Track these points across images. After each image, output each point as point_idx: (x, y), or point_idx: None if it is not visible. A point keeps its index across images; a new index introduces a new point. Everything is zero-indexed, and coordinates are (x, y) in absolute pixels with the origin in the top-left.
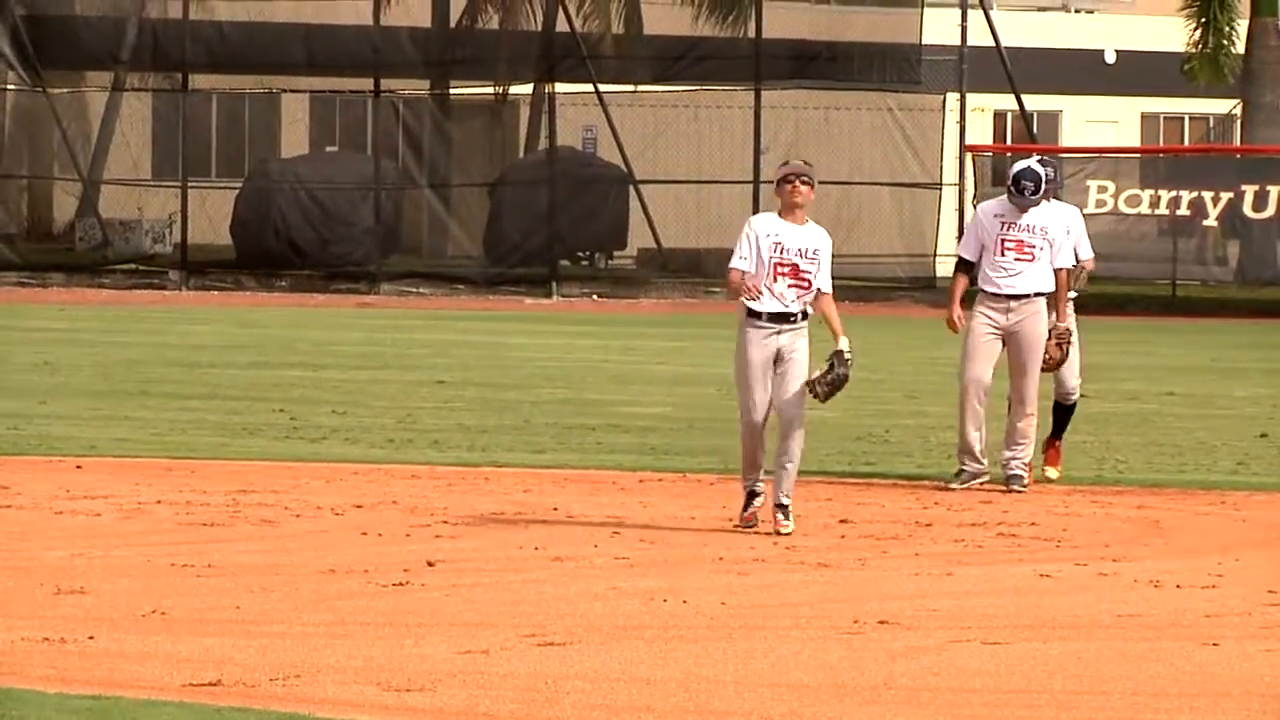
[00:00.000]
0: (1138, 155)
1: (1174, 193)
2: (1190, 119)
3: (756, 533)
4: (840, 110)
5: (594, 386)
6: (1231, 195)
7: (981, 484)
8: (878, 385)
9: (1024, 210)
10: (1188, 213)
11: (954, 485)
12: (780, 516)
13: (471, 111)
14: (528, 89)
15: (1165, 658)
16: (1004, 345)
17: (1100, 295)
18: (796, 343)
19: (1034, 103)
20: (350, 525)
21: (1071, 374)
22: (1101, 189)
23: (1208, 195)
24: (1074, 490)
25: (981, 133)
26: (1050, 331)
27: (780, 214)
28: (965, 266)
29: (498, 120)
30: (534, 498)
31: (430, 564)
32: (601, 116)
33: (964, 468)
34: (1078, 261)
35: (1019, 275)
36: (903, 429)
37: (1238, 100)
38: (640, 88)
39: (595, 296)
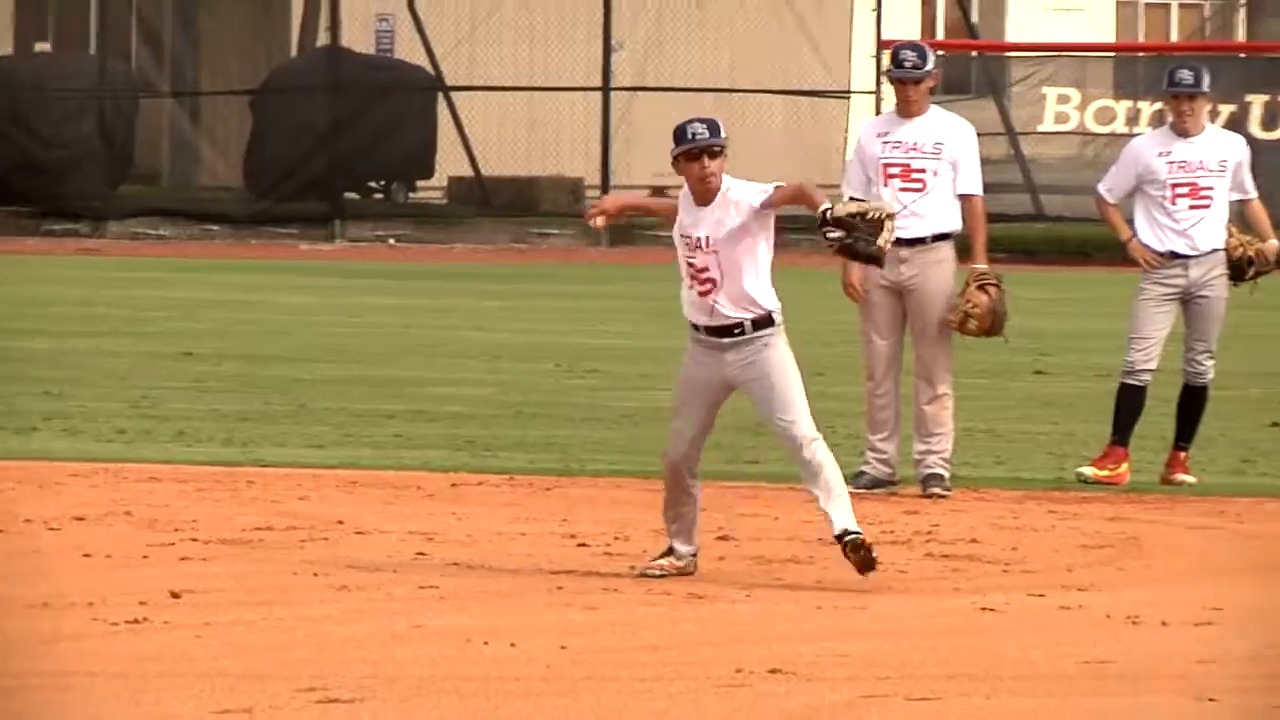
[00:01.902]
0: (1111, 55)
1: (1158, 105)
2: (1180, 6)
3: (609, 554)
4: None
5: (391, 361)
6: (1234, 108)
7: (890, 493)
8: None
9: (907, 116)
10: None
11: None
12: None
13: None
14: None
15: (1147, 716)
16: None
17: (1060, 240)
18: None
19: None
20: (69, 544)
21: (1204, 337)
22: (1062, 99)
23: None
24: (1026, 497)
25: (904, 24)
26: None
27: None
28: None
29: (264, 8)
30: (312, 507)
31: (175, 595)
32: (401, 2)
33: (863, 468)
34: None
35: (907, 212)
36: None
37: None
38: None
39: (393, 240)
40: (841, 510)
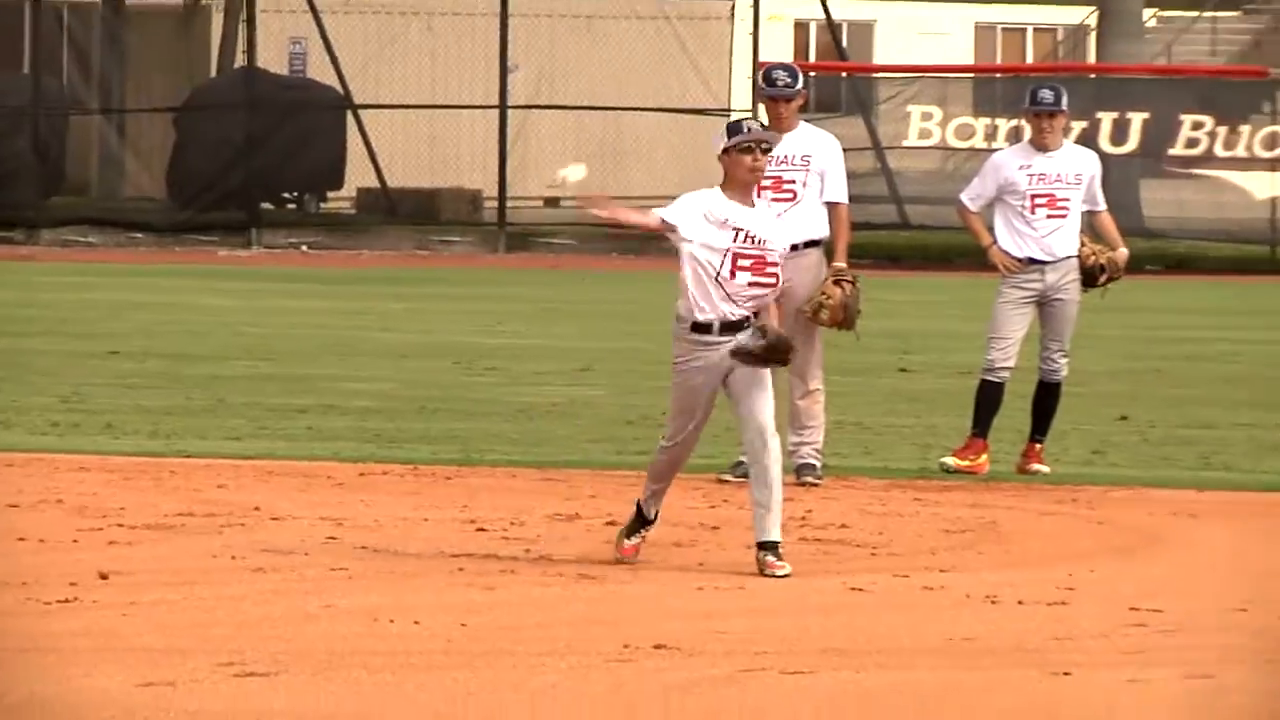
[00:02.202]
0: (970, 75)
1: (1015, 121)
2: (1035, 31)
3: (506, 538)
4: (606, 19)
5: (304, 358)
6: (1085, 125)
7: None
8: (653, 356)
9: (778, 132)
10: None
11: (728, 478)
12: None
13: (153, 20)
14: None
15: (1006, 690)
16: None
17: (923, 247)
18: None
19: (843, 10)
20: (4, 529)
21: (1059, 337)
22: (926, 116)
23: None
24: (892, 485)
25: (780, 48)
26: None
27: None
28: None
29: (186, 31)
30: (230, 495)
31: (103, 576)
32: (313, 26)
33: (741, 459)
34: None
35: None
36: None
37: (1093, 9)
38: None
39: (305, 247)
40: (775, 520)
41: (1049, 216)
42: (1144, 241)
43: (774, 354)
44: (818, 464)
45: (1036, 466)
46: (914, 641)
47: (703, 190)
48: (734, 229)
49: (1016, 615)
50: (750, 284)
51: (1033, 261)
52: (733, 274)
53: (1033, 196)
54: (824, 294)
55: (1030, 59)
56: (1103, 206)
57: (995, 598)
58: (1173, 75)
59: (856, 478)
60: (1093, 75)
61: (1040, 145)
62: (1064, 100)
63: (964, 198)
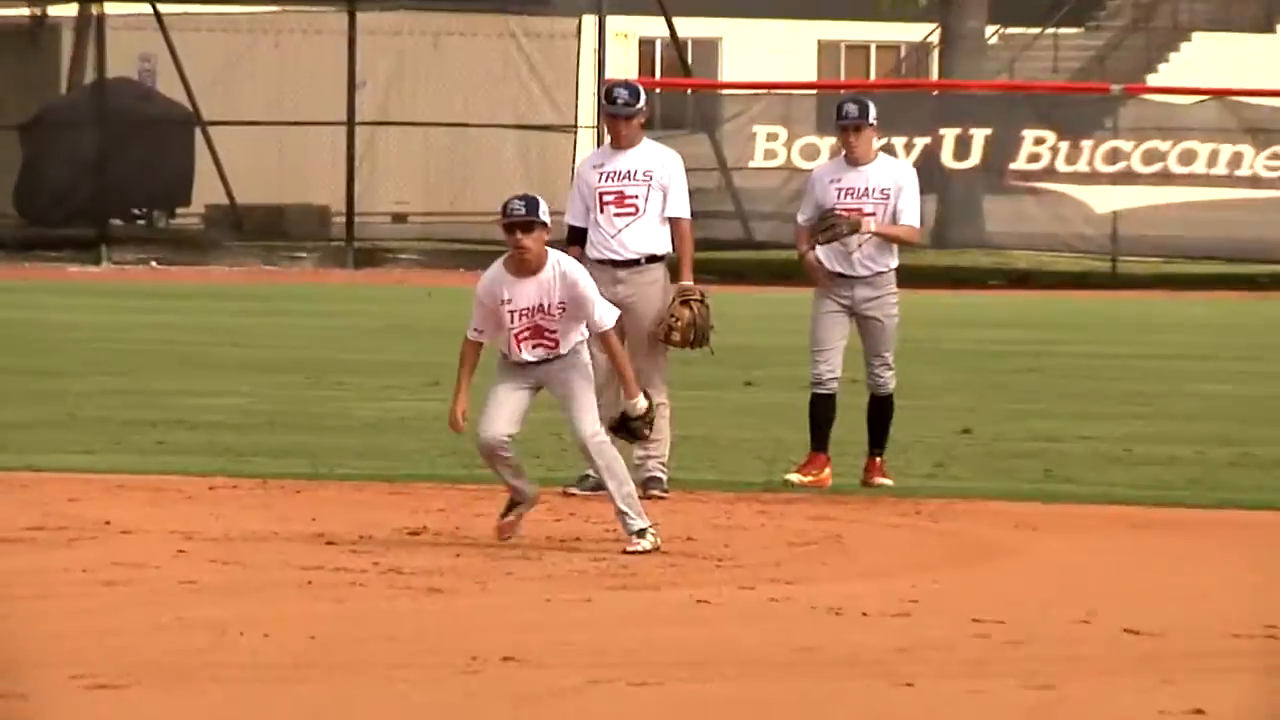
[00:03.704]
0: (814, 92)
1: None
2: (878, 48)
3: (355, 551)
4: (453, 36)
5: (154, 373)
6: (928, 140)
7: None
8: None
9: (620, 149)
10: None
11: (575, 490)
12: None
13: (1, 36)
14: (72, 9)
15: (849, 700)
16: None
17: (768, 264)
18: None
19: (688, 27)
20: None
21: (878, 352)
22: (771, 136)
23: (898, 141)
24: (738, 498)
25: (625, 64)
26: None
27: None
28: (577, 236)
29: (34, 47)
30: (81, 508)
31: None
32: (162, 42)
33: (587, 473)
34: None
35: (622, 235)
36: (530, 424)
37: (935, 25)
38: (208, 7)
39: (154, 263)
40: (632, 504)
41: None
42: (986, 256)
43: (622, 434)
44: (663, 477)
45: (880, 480)
46: (760, 653)
47: (490, 272)
48: (509, 312)
49: (860, 626)
50: (535, 347)
51: (840, 276)
52: (519, 348)
53: (842, 211)
54: (673, 315)
55: (874, 76)
56: (915, 224)
57: (839, 609)
58: (1015, 91)
59: (703, 491)
60: (935, 92)
61: (851, 160)
62: (871, 114)
63: (799, 218)
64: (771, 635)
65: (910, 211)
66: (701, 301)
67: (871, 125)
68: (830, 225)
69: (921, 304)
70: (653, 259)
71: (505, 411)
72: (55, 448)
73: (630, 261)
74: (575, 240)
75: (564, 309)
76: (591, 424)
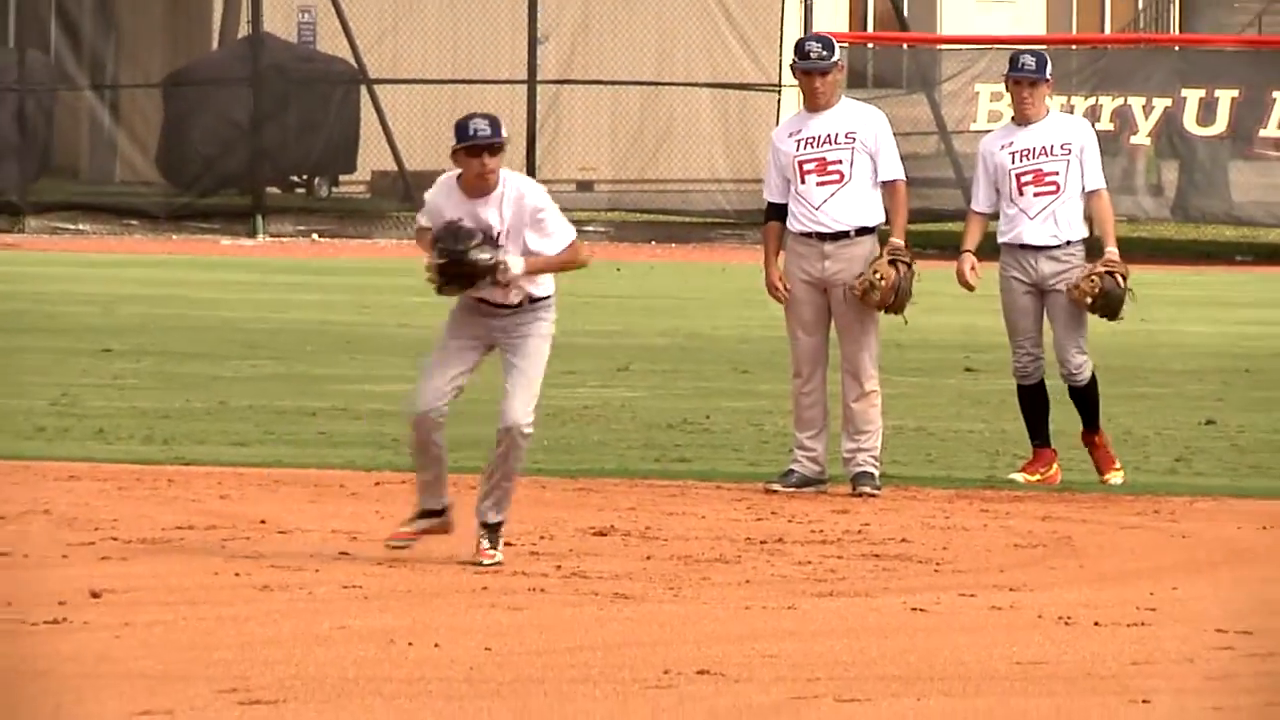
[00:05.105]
0: (1043, 48)
1: (1092, 99)
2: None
3: (534, 553)
4: None
5: (314, 357)
6: (1169, 103)
7: (819, 491)
8: (696, 355)
9: (816, 110)
10: (1110, 126)
11: (776, 486)
12: (486, 544)
13: None
14: None
15: (1080, 718)
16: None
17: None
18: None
19: None
20: None
21: (1071, 342)
22: (995, 96)
23: (1137, 103)
24: (958, 496)
25: (835, 17)
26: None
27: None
28: (775, 211)
29: (183, 2)
30: (233, 506)
31: (95, 595)
32: None
33: (792, 466)
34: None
35: (827, 205)
36: (729, 414)
37: None
38: None
39: (315, 235)
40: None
41: (1037, 194)
42: (1233, 230)
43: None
44: (875, 473)
45: (1111, 476)
46: (980, 666)
47: (439, 190)
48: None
49: (1092, 637)
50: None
51: (1023, 247)
52: None
53: (1018, 175)
54: (876, 272)
55: (1108, 30)
56: (1101, 185)
57: (1069, 618)
58: (1265, 48)
59: (918, 488)
60: (1176, 48)
61: (1021, 118)
62: (1048, 68)
63: (972, 204)
64: (994, 647)
65: (1096, 173)
66: (908, 265)
67: (1047, 81)
68: (1109, 301)
69: (1160, 281)
70: (863, 231)
71: (446, 376)
72: (205, 439)
73: (838, 234)
74: (773, 216)
75: (512, 233)
76: (527, 413)
